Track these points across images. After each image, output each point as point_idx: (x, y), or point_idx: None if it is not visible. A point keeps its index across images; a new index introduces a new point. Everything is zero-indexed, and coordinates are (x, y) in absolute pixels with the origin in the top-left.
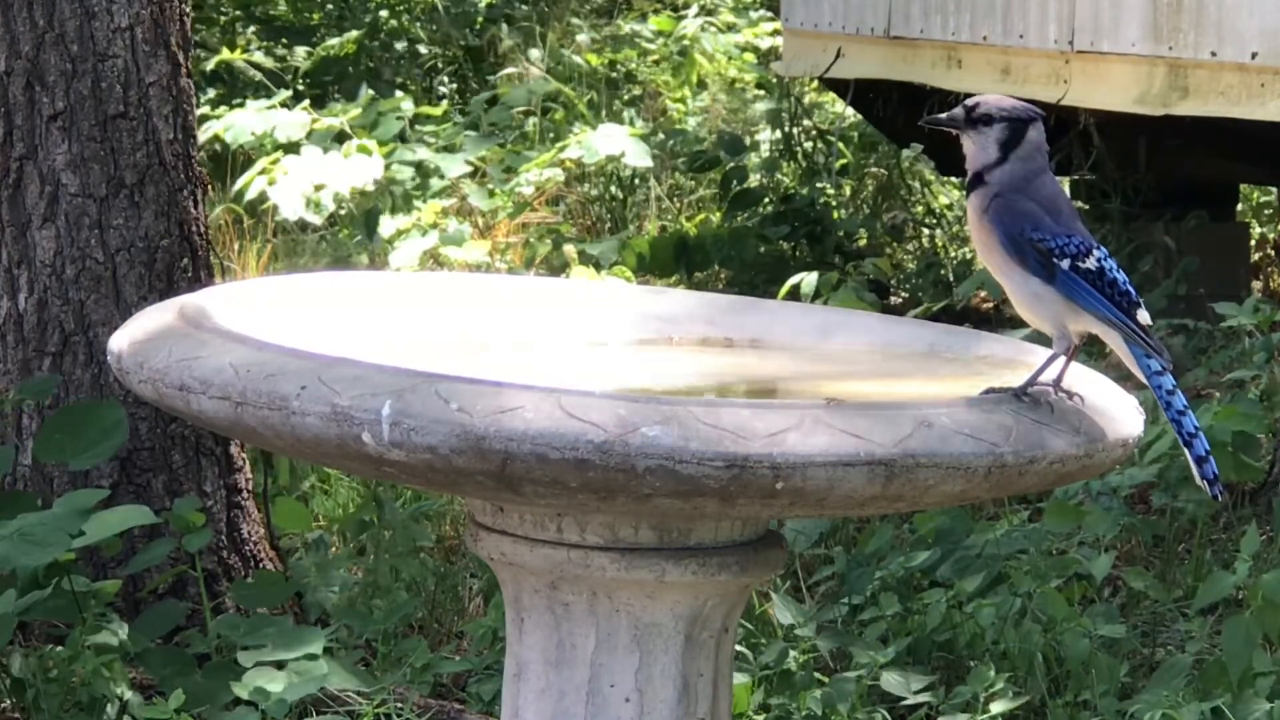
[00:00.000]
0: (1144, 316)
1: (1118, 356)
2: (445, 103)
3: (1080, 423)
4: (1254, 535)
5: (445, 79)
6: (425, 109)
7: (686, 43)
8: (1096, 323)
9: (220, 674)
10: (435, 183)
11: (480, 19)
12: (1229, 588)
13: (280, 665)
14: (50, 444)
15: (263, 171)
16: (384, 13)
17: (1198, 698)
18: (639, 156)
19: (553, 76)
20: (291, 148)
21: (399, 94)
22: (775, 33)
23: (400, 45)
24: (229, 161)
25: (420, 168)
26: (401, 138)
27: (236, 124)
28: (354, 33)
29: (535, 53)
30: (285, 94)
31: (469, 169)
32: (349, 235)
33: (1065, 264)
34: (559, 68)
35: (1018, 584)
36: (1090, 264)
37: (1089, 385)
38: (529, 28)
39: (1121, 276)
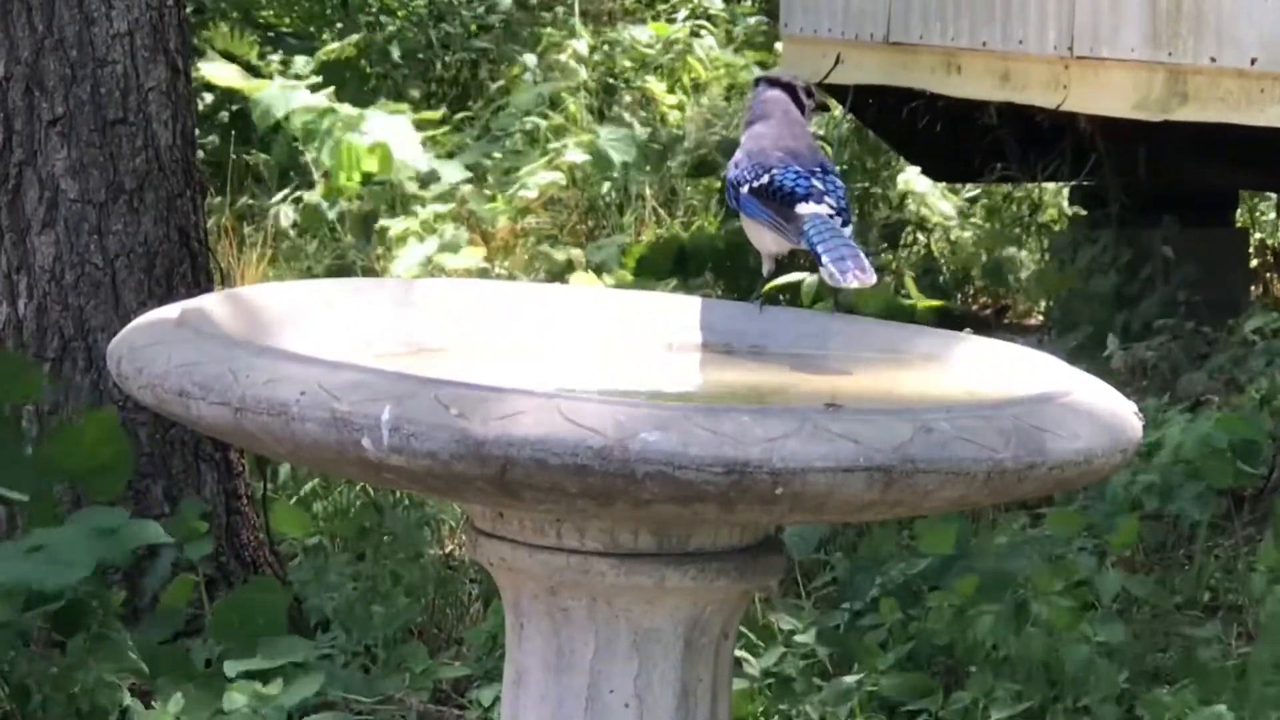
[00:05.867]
0: (808, 207)
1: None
2: (443, 108)
3: (1080, 428)
4: (1270, 545)
5: (443, 84)
6: (424, 114)
7: (680, 47)
8: (766, 230)
9: (219, 679)
10: (433, 188)
11: (475, 25)
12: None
13: (278, 671)
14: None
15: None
16: (384, 23)
17: (1202, 703)
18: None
19: (549, 82)
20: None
21: (384, 100)
22: (774, 39)
23: (396, 52)
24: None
25: (417, 173)
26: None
27: (265, 98)
28: (355, 37)
29: (530, 59)
30: (311, 79)
31: (467, 174)
32: (348, 240)
33: (744, 190)
34: (555, 74)
35: (1019, 588)
36: (763, 182)
37: (1087, 391)
38: (524, 40)
39: (791, 182)
